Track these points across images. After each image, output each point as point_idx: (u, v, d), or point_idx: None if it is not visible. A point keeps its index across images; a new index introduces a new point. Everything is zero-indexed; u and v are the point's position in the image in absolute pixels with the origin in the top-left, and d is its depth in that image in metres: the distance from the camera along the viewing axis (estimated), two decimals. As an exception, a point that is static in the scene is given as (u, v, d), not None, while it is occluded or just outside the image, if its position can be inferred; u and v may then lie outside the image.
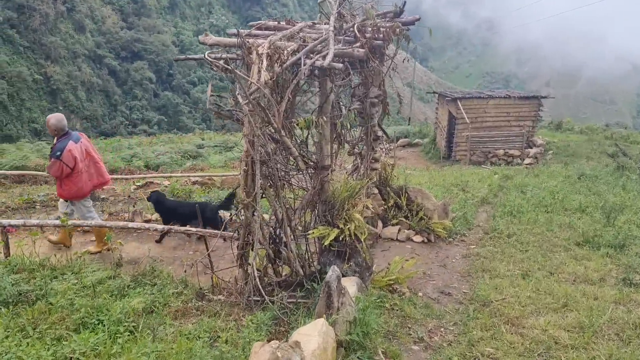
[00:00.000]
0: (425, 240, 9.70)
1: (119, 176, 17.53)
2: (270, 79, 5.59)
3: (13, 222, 7.03)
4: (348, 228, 6.42)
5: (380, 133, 9.55)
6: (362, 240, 6.49)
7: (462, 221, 11.11)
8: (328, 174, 6.68)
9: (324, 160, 6.69)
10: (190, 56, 6.26)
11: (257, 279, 5.72)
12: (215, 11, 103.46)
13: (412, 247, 9.37)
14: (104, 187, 9.09)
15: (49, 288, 5.94)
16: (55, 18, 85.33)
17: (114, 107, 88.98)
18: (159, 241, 9.18)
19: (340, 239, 6.41)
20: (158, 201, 9.44)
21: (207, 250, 7.04)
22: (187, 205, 9.75)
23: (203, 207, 9.48)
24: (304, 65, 5.75)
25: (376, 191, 9.83)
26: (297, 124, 6.01)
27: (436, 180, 16.56)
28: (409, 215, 9.85)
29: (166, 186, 15.71)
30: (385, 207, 9.98)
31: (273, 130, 5.74)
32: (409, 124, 38.23)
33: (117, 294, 6.13)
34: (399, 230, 9.72)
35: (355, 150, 9.74)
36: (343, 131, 7.10)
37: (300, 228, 6.48)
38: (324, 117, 6.33)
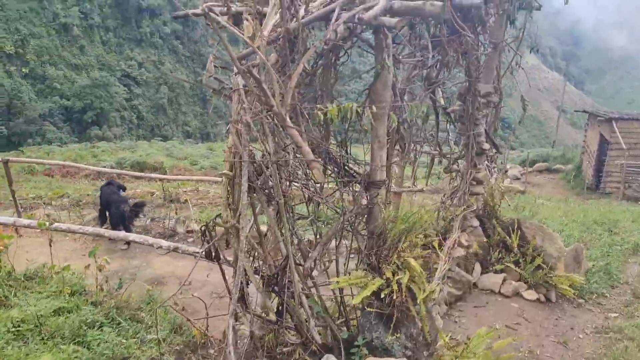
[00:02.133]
0: (542, 299, 6.95)
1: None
2: (279, 38, 3.56)
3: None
4: (397, 280, 4.14)
5: (487, 146, 7.05)
6: (420, 300, 4.16)
7: (603, 275, 8.12)
8: (377, 193, 4.44)
9: (375, 172, 4.46)
10: (191, 11, 4.43)
11: (232, 347, 3.66)
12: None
13: (519, 307, 6.69)
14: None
15: (-20, 316, 4.41)
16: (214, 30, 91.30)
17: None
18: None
19: (383, 295, 4.15)
20: (101, 189, 8.72)
21: (224, 278, 5.06)
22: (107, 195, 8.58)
23: (114, 202, 8.31)
24: (336, 20, 3.64)
25: (476, 223, 7.28)
26: (325, 113, 3.87)
27: (574, 215, 13.25)
28: (520, 260, 7.16)
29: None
30: (489, 246, 7.39)
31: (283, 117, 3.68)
32: (552, 147, 33.81)
33: (69, 336, 4.43)
34: (504, 280, 7.08)
35: (455, 167, 7.35)
36: (407, 130, 4.79)
37: (319, 270, 4.30)
38: (373, 107, 4.11)
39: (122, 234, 6.17)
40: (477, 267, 7.18)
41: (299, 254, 4.07)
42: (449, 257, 6.54)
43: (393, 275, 4.19)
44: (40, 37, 73.09)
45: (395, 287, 4.11)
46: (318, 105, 3.86)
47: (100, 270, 5.35)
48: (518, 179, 20.45)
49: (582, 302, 7.19)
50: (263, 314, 4.19)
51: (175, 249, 5.45)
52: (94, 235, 6.07)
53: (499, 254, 7.27)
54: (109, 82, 71.87)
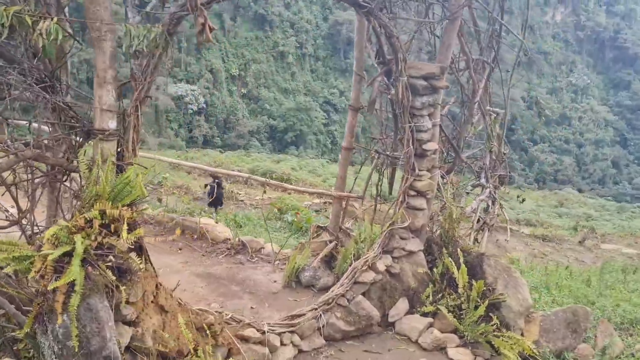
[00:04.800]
0: (481, 365, 4.94)
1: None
2: None
3: None
4: (44, 254, 3.10)
5: (431, 146, 5.37)
6: (77, 290, 3.06)
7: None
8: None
9: (95, 117, 3.49)
10: None
11: None
12: (578, 70, 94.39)
13: (430, 370, 4.81)
14: None
15: None
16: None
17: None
18: None
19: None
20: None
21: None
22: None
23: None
24: None
25: (415, 248, 5.50)
26: None
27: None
28: (462, 304, 5.20)
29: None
30: (429, 280, 5.53)
31: None
32: None
33: None
34: (429, 326, 5.20)
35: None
36: (139, 66, 3.63)
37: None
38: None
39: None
40: (402, 303, 5.41)
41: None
42: (351, 279, 5.09)
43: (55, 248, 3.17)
44: (260, 62, 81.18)
45: (38, 263, 3.09)
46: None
47: None
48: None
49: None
50: None
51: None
52: None
53: (437, 293, 5.39)
54: (311, 107, 76.46)
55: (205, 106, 67.97)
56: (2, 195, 3.48)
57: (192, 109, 65.07)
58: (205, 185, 10.27)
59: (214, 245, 6.97)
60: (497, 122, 6.50)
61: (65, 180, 3.63)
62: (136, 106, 3.57)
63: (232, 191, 12.72)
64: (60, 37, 3.12)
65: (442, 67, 5.21)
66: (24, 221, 3.67)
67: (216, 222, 7.49)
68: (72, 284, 3.10)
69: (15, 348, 3.57)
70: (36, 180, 3.56)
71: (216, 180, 9.99)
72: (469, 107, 5.79)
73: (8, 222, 3.50)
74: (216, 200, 9.47)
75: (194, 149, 36.26)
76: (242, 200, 12.44)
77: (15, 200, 3.47)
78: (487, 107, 6.50)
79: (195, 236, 7.18)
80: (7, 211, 3.70)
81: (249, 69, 79.38)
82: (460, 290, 5.25)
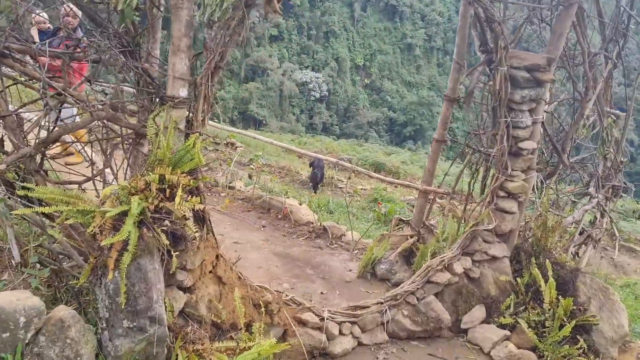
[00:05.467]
0: (558, 391, 4.45)
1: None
2: None
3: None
4: (103, 211, 3.21)
5: (528, 145, 4.91)
6: (131, 250, 3.14)
7: None
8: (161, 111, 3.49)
9: (168, 84, 3.54)
10: None
11: None
12: None
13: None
14: None
15: None
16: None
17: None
18: None
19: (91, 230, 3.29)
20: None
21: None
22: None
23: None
24: None
25: (499, 253, 5.05)
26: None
27: None
28: (547, 322, 4.70)
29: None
30: (512, 290, 5.06)
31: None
32: None
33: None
34: (505, 339, 4.75)
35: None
36: (216, 37, 3.56)
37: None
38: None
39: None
40: (478, 311, 5.00)
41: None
42: (423, 278, 4.85)
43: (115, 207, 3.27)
44: (386, 54, 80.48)
45: (98, 219, 3.20)
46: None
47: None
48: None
49: None
50: None
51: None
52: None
53: (519, 305, 4.92)
54: (433, 102, 74.51)
55: (327, 94, 68.94)
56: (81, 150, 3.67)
57: (314, 96, 66.31)
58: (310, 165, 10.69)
59: (296, 227, 6.99)
60: (616, 126, 5.79)
61: (138, 143, 3.74)
62: (207, 76, 3.58)
63: (332, 177, 12.72)
64: (135, 3, 3.18)
65: (549, 59, 4.69)
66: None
67: (300, 204, 7.50)
68: (126, 243, 3.19)
69: (85, 299, 3.79)
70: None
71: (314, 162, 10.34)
72: (581, 105, 5.18)
73: (84, 178, 3.68)
74: (314, 179, 9.93)
75: (308, 135, 36.90)
76: (340, 188, 12.40)
77: (90, 158, 3.64)
78: (606, 107, 5.80)
79: (280, 216, 7.24)
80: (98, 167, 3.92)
81: (375, 60, 78.99)
82: (545, 305, 4.75)
